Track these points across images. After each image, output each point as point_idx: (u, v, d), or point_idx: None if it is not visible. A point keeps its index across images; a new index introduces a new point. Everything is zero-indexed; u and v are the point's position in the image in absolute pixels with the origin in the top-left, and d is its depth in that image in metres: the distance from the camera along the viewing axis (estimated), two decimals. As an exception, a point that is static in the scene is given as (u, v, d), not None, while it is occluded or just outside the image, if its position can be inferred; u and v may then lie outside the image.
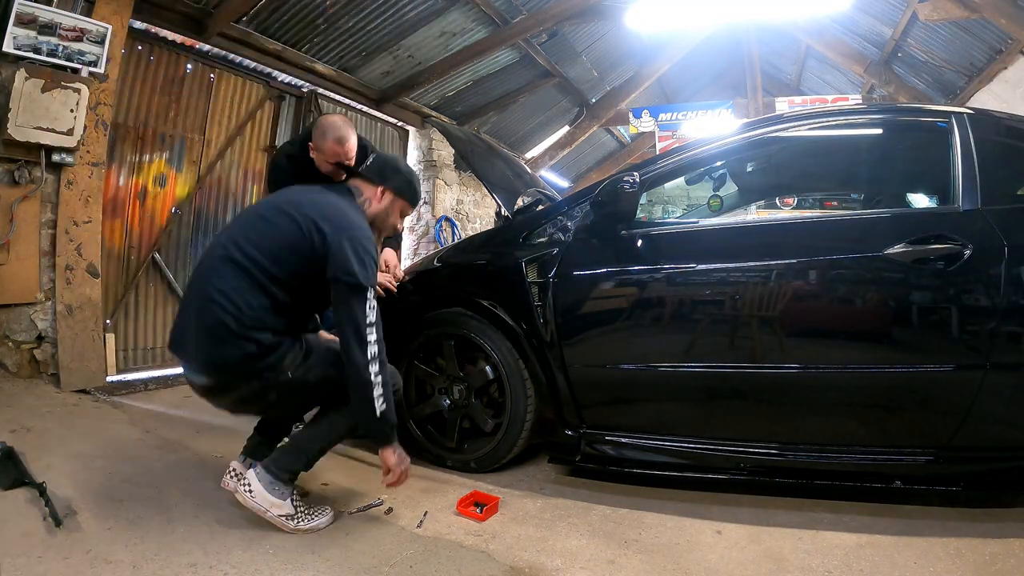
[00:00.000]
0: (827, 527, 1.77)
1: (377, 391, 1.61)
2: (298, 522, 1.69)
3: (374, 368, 1.61)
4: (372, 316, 1.63)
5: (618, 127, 9.00)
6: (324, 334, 1.94)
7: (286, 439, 1.94)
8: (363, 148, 2.41)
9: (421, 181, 6.60)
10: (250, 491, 1.68)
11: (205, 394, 1.74)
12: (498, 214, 3.62)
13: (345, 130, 2.27)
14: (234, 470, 1.74)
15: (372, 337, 1.62)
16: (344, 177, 1.97)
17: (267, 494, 1.67)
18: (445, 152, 6.52)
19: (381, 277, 2.25)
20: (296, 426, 2.07)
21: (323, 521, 1.74)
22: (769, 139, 2.15)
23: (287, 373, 1.67)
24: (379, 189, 1.86)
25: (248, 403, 1.75)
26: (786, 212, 4.42)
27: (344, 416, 1.74)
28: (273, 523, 1.68)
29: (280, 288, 1.66)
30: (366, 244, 1.68)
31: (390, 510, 1.88)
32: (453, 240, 6.39)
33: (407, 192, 1.91)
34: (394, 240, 2.47)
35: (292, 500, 1.71)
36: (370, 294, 1.64)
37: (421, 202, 6.43)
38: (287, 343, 1.69)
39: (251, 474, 1.70)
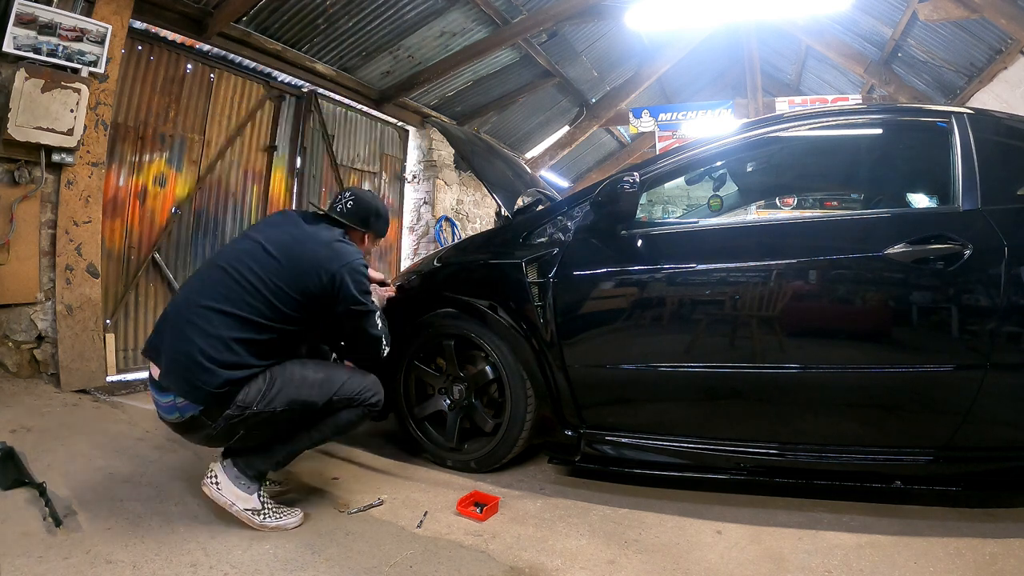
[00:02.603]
0: (827, 527, 1.77)
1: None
2: (264, 518, 1.70)
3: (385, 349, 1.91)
4: (381, 324, 1.88)
5: (618, 127, 9.01)
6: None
7: None
8: None
9: (421, 181, 6.66)
10: (216, 483, 1.69)
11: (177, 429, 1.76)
12: (498, 214, 3.62)
13: None
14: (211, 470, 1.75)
15: (385, 342, 1.89)
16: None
17: (233, 487, 1.69)
18: (445, 152, 6.52)
19: (385, 291, 2.30)
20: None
21: (291, 521, 1.73)
22: (769, 139, 2.15)
23: (252, 407, 1.67)
24: (365, 235, 2.04)
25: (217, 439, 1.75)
26: (786, 212, 4.42)
27: (316, 431, 1.80)
28: (239, 518, 1.68)
29: (276, 323, 1.71)
30: (364, 272, 1.84)
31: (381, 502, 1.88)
32: (453, 240, 6.39)
33: (383, 230, 2.13)
34: None
35: (259, 496, 1.72)
36: (377, 312, 1.88)
37: (422, 202, 6.48)
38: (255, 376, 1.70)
39: (218, 466, 1.72)
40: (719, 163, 2.51)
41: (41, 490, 1.77)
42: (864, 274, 1.79)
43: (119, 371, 3.67)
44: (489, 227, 6.17)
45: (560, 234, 2.13)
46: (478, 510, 1.84)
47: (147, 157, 3.85)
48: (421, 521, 1.80)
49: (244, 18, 4.08)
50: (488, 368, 2.20)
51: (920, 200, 2.71)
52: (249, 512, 1.69)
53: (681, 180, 2.32)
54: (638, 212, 2.00)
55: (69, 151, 3.04)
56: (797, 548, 1.65)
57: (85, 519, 1.70)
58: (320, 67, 4.87)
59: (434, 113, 6.41)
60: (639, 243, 1.99)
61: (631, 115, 7.48)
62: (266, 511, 1.71)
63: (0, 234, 2.84)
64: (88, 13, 3.08)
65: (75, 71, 3.02)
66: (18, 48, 2.82)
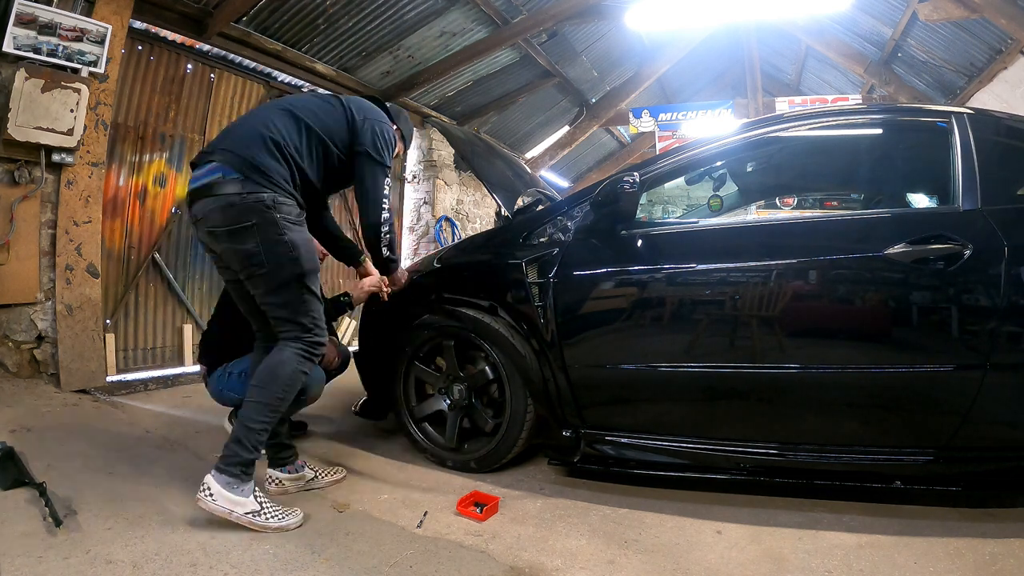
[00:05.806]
0: (827, 527, 1.77)
1: (384, 245, 2.03)
2: (266, 519, 1.68)
3: (384, 228, 1.99)
4: (387, 190, 1.98)
5: (618, 127, 9.01)
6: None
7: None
8: None
9: (421, 181, 6.65)
10: (210, 494, 1.65)
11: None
12: (498, 214, 3.63)
13: None
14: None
15: (386, 204, 1.97)
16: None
17: (226, 493, 1.65)
18: (445, 152, 6.52)
19: (370, 281, 2.34)
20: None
21: (293, 521, 1.72)
22: (769, 139, 2.15)
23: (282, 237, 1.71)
24: (393, 127, 2.12)
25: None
26: (786, 212, 4.42)
27: (272, 389, 1.73)
28: (241, 523, 1.65)
29: (318, 147, 1.87)
30: (387, 133, 2.00)
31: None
32: (453, 240, 6.39)
33: (408, 134, 2.25)
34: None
35: (255, 497, 1.70)
36: (388, 173, 1.99)
37: (422, 202, 6.47)
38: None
39: (209, 478, 1.67)
40: (719, 163, 2.51)
41: (41, 490, 1.77)
42: (864, 274, 1.78)
43: (119, 371, 3.68)
44: (489, 227, 6.16)
45: (560, 234, 2.13)
46: (478, 510, 1.84)
47: (147, 157, 3.85)
48: (421, 521, 1.80)
49: (244, 18, 4.08)
50: (488, 368, 2.20)
51: (920, 200, 2.71)
52: (249, 515, 1.66)
53: (681, 180, 2.32)
54: (638, 212, 2.00)
55: (69, 151, 3.05)
56: (797, 548, 1.65)
57: (85, 519, 1.70)
58: (320, 67, 4.87)
59: (434, 113, 6.41)
60: (639, 243, 1.99)
61: (631, 115, 7.48)
62: (266, 511, 1.69)
63: (0, 234, 2.84)
64: (88, 13, 3.09)
65: (75, 71, 3.02)
66: (18, 48, 2.82)
